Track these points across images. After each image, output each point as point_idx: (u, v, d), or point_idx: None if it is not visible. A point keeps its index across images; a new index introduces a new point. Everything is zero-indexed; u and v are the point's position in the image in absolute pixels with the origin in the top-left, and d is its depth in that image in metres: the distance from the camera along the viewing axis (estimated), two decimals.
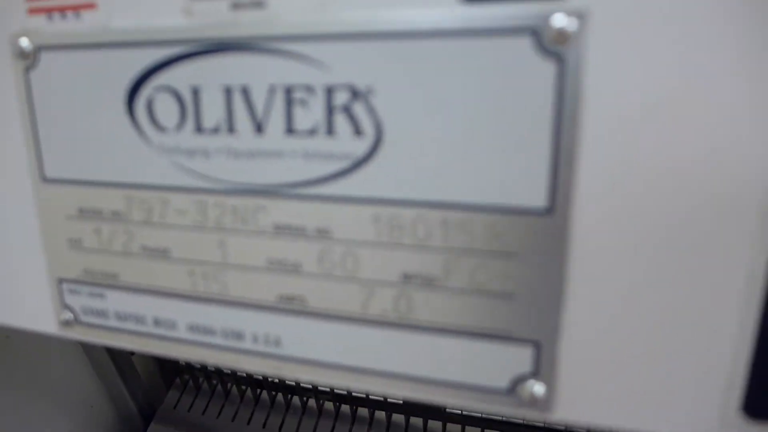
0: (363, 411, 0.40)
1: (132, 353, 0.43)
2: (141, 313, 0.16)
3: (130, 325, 0.17)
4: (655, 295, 0.12)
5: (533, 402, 0.13)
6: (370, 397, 0.39)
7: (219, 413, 0.42)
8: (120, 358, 0.42)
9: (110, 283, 0.16)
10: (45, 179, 0.16)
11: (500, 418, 0.36)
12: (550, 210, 0.12)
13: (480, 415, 0.36)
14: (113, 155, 0.15)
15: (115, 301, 0.16)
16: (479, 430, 0.36)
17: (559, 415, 0.14)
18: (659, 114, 0.11)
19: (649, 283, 0.12)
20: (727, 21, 0.11)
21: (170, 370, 0.45)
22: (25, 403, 0.37)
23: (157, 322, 0.16)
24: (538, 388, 0.13)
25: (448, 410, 0.36)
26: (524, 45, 0.11)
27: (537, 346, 0.13)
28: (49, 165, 0.16)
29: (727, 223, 0.11)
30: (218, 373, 0.41)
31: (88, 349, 0.40)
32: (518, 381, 0.13)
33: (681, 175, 0.11)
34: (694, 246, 0.12)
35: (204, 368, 0.41)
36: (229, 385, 0.42)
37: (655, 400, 0.13)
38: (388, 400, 0.38)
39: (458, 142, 0.12)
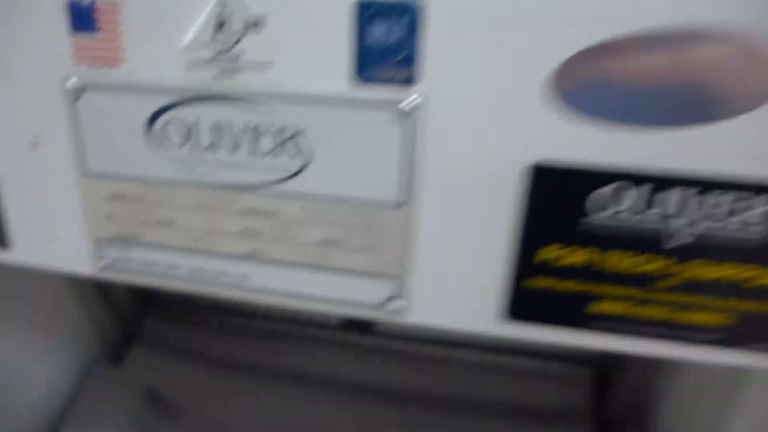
0: (311, 331, 0.50)
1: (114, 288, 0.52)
2: (155, 260, 0.25)
3: (147, 269, 0.25)
4: (461, 243, 0.22)
5: (397, 312, 0.23)
6: (315, 318, 0.49)
7: (192, 338, 0.51)
8: (108, 293, 0.51)
9: (134, 241, 0.25)
10: (87, 174, 0.24)
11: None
12: (400, 203, 0.22)
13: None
14: (136, 159, 0.23)
15: (137, 253, 0.25)
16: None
17: (413, 319, 0.24)
18: (463, 151, 0.21)
19: (457, 234, 0.22)
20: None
21: (148, 302, 0.54)
22: (26, 330, 0.45)
23: (166, 267, 0.25)
24: (400, 303, 0.23)
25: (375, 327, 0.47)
26: (385, 114, 0.20)
27: (400, 279, 0.23)
28: (91, 162, 0.24)
29: (495, 194, 0.21)
30: (192, 303, 0.50)
31: (79, 286, 0.48)
32: (389, 299, 0.23)
33: (470, 176, 0.21)
34: (476, 207, 0.21)
35: (180, 300, 0.50)
36: (201, 314, 0.52)
37: (462, 308, 0.23)
38: (328, 321, 0.48)
39: (345, 166, 0.21)
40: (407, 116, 0.20)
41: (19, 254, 0.27)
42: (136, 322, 0.55)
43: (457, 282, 0.23)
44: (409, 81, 0.20)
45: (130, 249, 0.25)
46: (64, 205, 0.25)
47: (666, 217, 0.20)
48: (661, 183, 0.19)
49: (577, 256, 0.21)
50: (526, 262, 0.21)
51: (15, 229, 0.27)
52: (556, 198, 0.20)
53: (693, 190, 0.19)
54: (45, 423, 0.50)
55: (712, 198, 0.19)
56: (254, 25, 0.20)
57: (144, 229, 0.25)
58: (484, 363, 0.51)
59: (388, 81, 0.20)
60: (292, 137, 0.21)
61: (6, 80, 0.24)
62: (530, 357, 0.51)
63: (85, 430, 0.47)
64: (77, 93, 0.23)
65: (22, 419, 0.48)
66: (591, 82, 0.19)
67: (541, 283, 0.22)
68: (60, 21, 0.22)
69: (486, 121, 0.20)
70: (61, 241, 0.26)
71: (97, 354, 0.56)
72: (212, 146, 0.22)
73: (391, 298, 0.23)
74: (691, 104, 0.18)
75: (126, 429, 0.47)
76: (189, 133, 0.22)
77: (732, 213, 0.19)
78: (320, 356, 0.52)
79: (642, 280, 0.21)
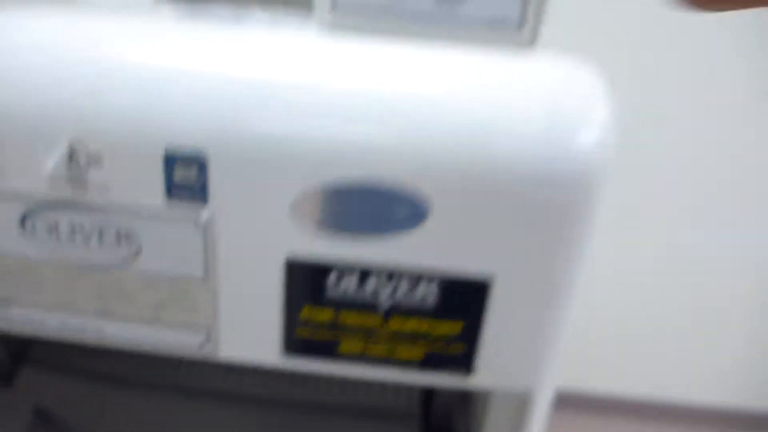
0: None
1: None
2: (28, 316, 0.33)
3: (23, 323, 0.34)
4: (250, 304, 0.32)
5: (210, 352, 0.33)
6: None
7: None
8: None
9: (10, 301, 0.33)
10: None
11: None
12: (205, 277, 0.31)
13: None
14: (13, 243, 0.32)
15: (14, 310, 0.33)
16: None
17: (222, 356, 0.33)
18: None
19: (248, 299, 0.32)
20: None
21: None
22: None
23: (38, 321, 0.33)
24: (210, 346, 0.33)
25: None
26: (188, 223, 0.30)
27: (209, 328, 0.33)
28: None
29: (267, 276, 0.31)
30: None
31: None
32: (203, 343, 0.33)
33: (249, 262, 0.31)
34: (255, 283, 0.32)
35: None
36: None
37: (254, 348, 0.33)
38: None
39: (166, 253, 0.31)
40: (203, 225, 0.30)
41: None
42: (23, 345, 0.62)
43: (249, 330, 0.33)
44: (203, 201, 0.30)
45: (8, 307, 0.33)
46: None
47: (375, 291, 0.31)
48: (366, 271, 0.30)
49: (324, 315, 0.31)
50: (292, 318, 0.32)
51: None
52: (304, 279, 0.31)
53: (385, 275, 0.30)
54: None
55: (402, 280, 0.30)
56: (95, 160, 0.29)
57: (19, 293, 0.33)
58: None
59: (189, 201, 0.30)
60: (128, 235, 0.31)
61: None
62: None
63: None
64: None
65: None
66: (318, 208, 0.29)
67: (304, 332, 0.32)
68: None
69: (254, 228, 0.30)
70: None
71: None
72: (71, 238, 0.31)
73: (204, 342, 0.33)
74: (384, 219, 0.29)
75: None
76: (52, 229, 0.31)
77: (414, 288, 0.30)
78: (194, 370, 0.61)
79: (367, 330, 0.32)
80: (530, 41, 0.31)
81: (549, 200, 0.29)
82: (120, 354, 0.62)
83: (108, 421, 0.56)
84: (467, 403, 0.57)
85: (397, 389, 0.61)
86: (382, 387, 0.61)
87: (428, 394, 0.61)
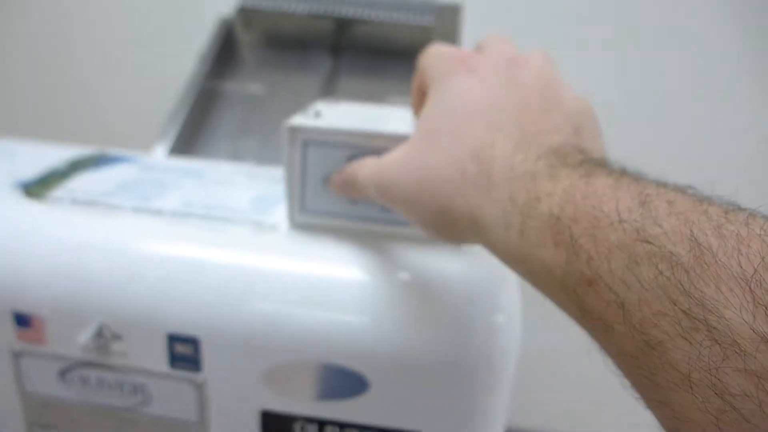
0: None
1: None
2: None
3: None
4: None
5: None
6: None
7: None
8: None
9: (54, 427, 0.43)
10: (25, 393, 0.42)
11: None
12: (199, 422, 0.40)
13: None
14: (57, 393, 0.41)
15: None
16: None
17: None
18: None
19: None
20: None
21: None
22: None
23: None
24: None
25: None
26: (188, 384, 0.39)
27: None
28: (27, 386, 0.42)
29: (246, 420, 0.40)
30: None
31: None
32: None
33: (234, 416, 0.40)
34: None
35: None
36: None
37: None
38: None
39: (174, 404, 0.40)
40: (199, 385, 0.39)
41: None
42: None
43: None
44: (198, 369, 0.38)
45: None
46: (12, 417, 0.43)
47: None
48: (324, 422, 0.38)
49: None
50: None
51: None
52: (276, 425, 0.39)
53: (338, 427, 0.38)
54: None
55: (352, 431, 0.38)
56: (116, 337, 0.38)
57: (58, 423, 0.42)
58: None
59: (186, 369, 0.38)
60: (141, 388, 0.40)
61: None
62: None
63: None
64: (17, 356, 0.41)
65: None
66: (284, 377, 0.37)
67: None
68: (9, 320, 0.40)
69: (236, 388, 0.39)
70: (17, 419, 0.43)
71: None
72: (98, 388, 0.40)
73: None
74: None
75: None
76: (84, 381, 0.40)
77: None
78: None
79: None
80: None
81: (463, 375, 0.37)
82: None
83: None
84: None
85: None
86: None
87: None
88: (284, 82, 0.86)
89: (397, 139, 0.34)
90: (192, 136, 0.74)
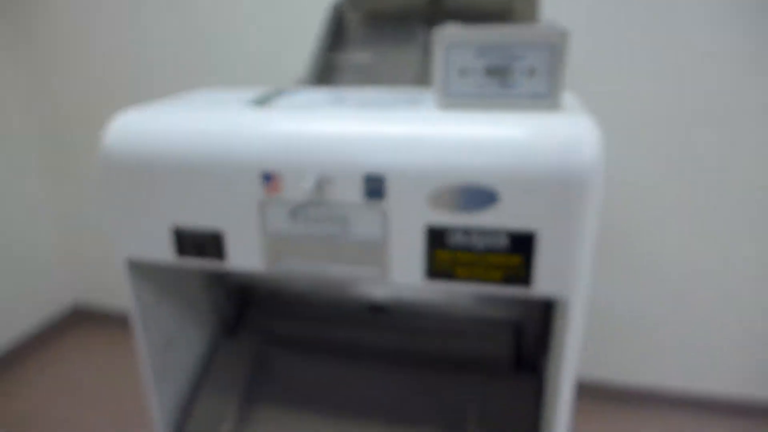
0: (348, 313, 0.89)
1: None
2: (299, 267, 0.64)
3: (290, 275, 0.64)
4: None
5: None
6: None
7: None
8: (226, 294, 0.91)
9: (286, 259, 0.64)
10: (266, 233, 0.63)
11: None
12: (382, 241, 0.60)
13: None
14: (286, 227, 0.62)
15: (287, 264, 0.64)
16: None
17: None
18: None
19: None
20: None
21: (247, 300, 0.94)
22: (181, 311, 0.85)
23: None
24: None
25: None
26: None
27: None
28: (269, 228, 0.63)
29: None
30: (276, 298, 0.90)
31: (209, 287, 0.88)
32: None
33: None
34: None
35: (269, 296, 0.90)
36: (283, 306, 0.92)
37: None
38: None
39: None
40: (383, 212, 0.59)
41: (232, 262, 0.66)
42: (244, 307, 0.95)
43: (406, 266, 0.61)
44: (383, 198, 0.59)
45: (280, 261, 0.64)
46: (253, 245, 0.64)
47: (474, 241, 0.58)
48: (469, 230, 0.58)
49: (447, 255, 0.59)
50: (431, 257, 0.59)
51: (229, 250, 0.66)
52: (437, 236, 0.58)
53: (479, 232, 0.57)
54: (191, 370, 0.89)
55: (488, 234, 0.57)
56: (328, 182, 0.59)
57: (286, 253, 0.63)
58: (443, 329, 0.89)
59: (376, 199, 0.59)
60: (345, 218, 0.60)
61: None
62: (475, 322, 0.89)
63: (214, 379, 0.87)
64: (263, 205, 0.62)
65: (177, 368, 0.88)
66: (443, 199, 0.57)
67: (437, 265, 0.60)
68: (258, 178, 0.61)
69: (409, 211, 0.58)
70: (254, 256, 0.65)
71: (219, 330, 0.96)
72: (316, 220, 0.61)
73: (381, 274, 0.62)
74: None
75: (241, 380, 0.86)
76: (307, 217, 0.61)
77: (495, 239, 0.57)
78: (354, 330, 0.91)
79: (471, 263, 0.59)
80: (555, 105, 0.58)
81: (561, 188, 0.55)
82: (317, 317, 0.93)
83: (298, 371, 0.88)
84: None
85: (494, 338, 0.87)
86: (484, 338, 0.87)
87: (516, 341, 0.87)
88: (387, 53, 1.07)
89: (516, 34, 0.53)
90: None
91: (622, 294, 1.46)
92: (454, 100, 0.60)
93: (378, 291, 0.90)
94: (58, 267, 1.94)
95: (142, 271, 0.75)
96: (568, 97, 0.67)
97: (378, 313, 0.91)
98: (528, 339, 0.87)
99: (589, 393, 1.54)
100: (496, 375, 0.83)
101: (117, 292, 1.94)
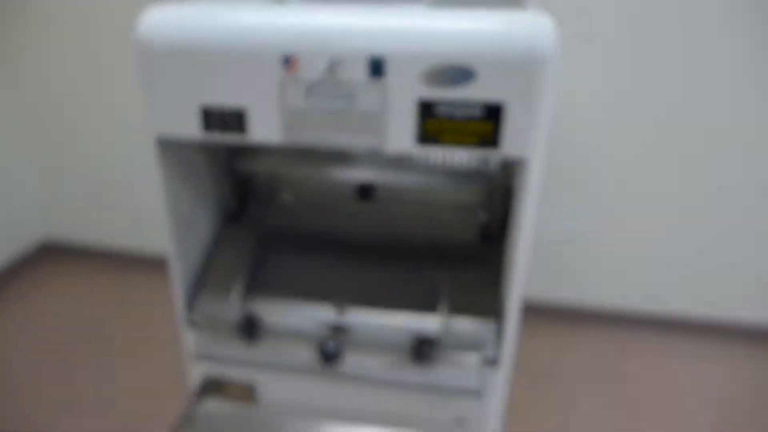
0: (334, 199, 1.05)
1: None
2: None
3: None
4: None
5: None
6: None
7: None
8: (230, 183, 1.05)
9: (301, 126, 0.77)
10: (283, 109, 0.77)
11: None
12: (381, 111, 0.75)
13: None
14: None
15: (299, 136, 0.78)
16: None
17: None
18: None
19: None
20: None
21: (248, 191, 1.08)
22: (195, 190, 0.99)
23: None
24: None
25: None
26: None
27: None
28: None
29: None
30: (270, 191, 1.04)
31: (217, 172, 1.01)
32: None
33: None
34: None
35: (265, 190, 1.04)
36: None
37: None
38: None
39: None
40: (383, 88, 0.73)
41: (253, 135, 0.79)
42: (245, 195, 1.09)
43: (400, 134, 0.76)
44: (383, 76, 0.73)
45: (294, 131, 0.78)
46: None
47: (455, 111, 0.73)
48: (452, 102, 0.73)
49: (434, 124, 0.74)
50: (421, 125, 0.74)
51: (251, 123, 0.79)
52: (426, 107, 0.73)
53: (460, 102, 0.73)
54: (205, 242, 1.03)
55: (467, 106, 0.73)
56: (337, 64, 0.73)
57: (299, 126, 0.77)
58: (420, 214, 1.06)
59: (378, 77, 0.73)
60: (352, 94, 0.74)
61: None
62: (452, 207, 1.06)
63: (223, 252, 1.01)
64: (282, 85, 0.75)
65: (191, 245, 1.01)
66: (429, 74, 0.72)
67: (425, 132, 0.75)
68: (279, 61, 0.74)
69: (404, 86, 0.73)
70: (273, 130, 0.78)
71: (223, 218, 1.09)
72: (328, 96, 0.75)
73: (380, 142, 0.76)
74: None
75: (244, 260, 1.00)
76: (320, 93, 0.75)
77: (473, 108, 0.73)
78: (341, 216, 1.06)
79: (453, 129, 0.74)
80: (522, 7, 0.73)
81: (525, 67, 0.71)
82: (309, 207, 1.07)
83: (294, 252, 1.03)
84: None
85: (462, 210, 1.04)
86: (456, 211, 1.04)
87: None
88: None
89: None
90: None
91: (571, 220, 1.64)
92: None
93: (366, 174, 1.05)
94: (29, 201, 1.98)
95: (168, 150, 0.87)
96: (533, 3, 0.82)
97: (366, 194, 1.06)
98: (492, 221, 1.05)
99: (536, 313, 1.70)
100: (466, 248, 1.01)
101: (87, 228, 2.01)
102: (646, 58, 1.43)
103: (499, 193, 1.02)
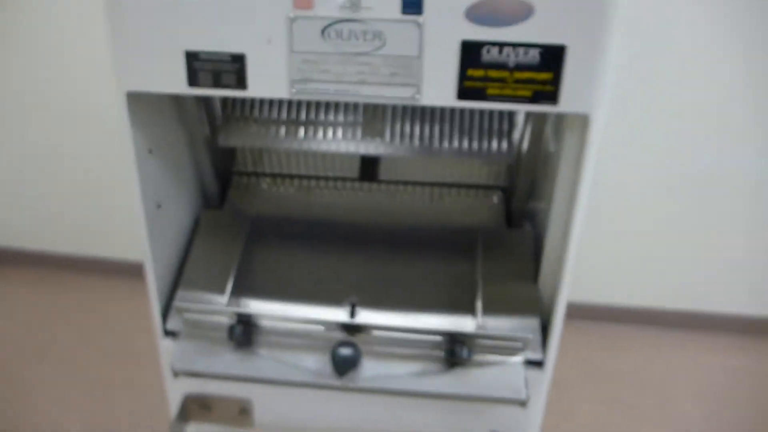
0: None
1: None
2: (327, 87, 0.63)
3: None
4: None
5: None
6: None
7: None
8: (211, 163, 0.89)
9: (310, 79, 0.62)
10: (292, 51, 0.61)
11: None
12: (418, 56, 0.61)
13: None
14: (316, 50, 0.61)
15: (313, 85, 0.63)
16: None
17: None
18: None
19: None
20: None
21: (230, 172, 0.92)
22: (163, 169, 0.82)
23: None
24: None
25: None
26: None
27: None
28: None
29: None
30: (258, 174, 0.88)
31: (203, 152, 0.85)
32: None
33: None
34: None
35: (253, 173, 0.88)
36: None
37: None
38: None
39: None
40: (421, 25, 0.59)
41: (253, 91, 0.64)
42: (227, 179, 0.93)
43: (439, 86, 0.62)
44: (420, 13, 0.59)
45: (308, 83, 0.62)
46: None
47: (506, 57, 0.60)
48: (502, 45, 0.59)
49: (479, 72, 0.61)
50: (463, 75, 0.61)
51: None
52: (470, 51, 0.60)
53: (511, 47, 0.59)
54: (183, 232, 0.86)
55: (520, 49, 0.60)
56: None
57: (314, 75, 0.62)
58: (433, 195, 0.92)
59: (413, 14, 0.59)
60: (379, 35, 0.60)
61: None
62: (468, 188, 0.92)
63: (209, 240, 0.84)
64: (292, 21, 0.60)
65: (170, 229, 0.84)
66: (477, 11, 0.58)
67: (468, 84, 0.61)
68: None
69: (446, 24, 0.59)
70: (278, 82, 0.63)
71: (202, 202, 0.92)
72: (349, 38, 0.60)
73: (415, 94, 0.62)
74: None
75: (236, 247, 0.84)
76: (338, 34, 0.60)
77: (527, 54, 0.60)
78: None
79: (502, 80, 0.61)
80: None
81: (592, 2, 0.58)
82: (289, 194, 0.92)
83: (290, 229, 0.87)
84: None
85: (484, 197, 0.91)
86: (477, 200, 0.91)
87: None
88: None
89: None
90: None
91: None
92: None
93: (368, 147, 0.90)
94: None
95: (140, 113, 0.70)
96: None
97: (370, 172, 0.91)
98: (515, 203, 0.92)
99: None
100: (491, 234, 0.87)
101: (31, 235, 1.81)
102: (645, 58, 1.37)
103: (523, 173, 0.89)
